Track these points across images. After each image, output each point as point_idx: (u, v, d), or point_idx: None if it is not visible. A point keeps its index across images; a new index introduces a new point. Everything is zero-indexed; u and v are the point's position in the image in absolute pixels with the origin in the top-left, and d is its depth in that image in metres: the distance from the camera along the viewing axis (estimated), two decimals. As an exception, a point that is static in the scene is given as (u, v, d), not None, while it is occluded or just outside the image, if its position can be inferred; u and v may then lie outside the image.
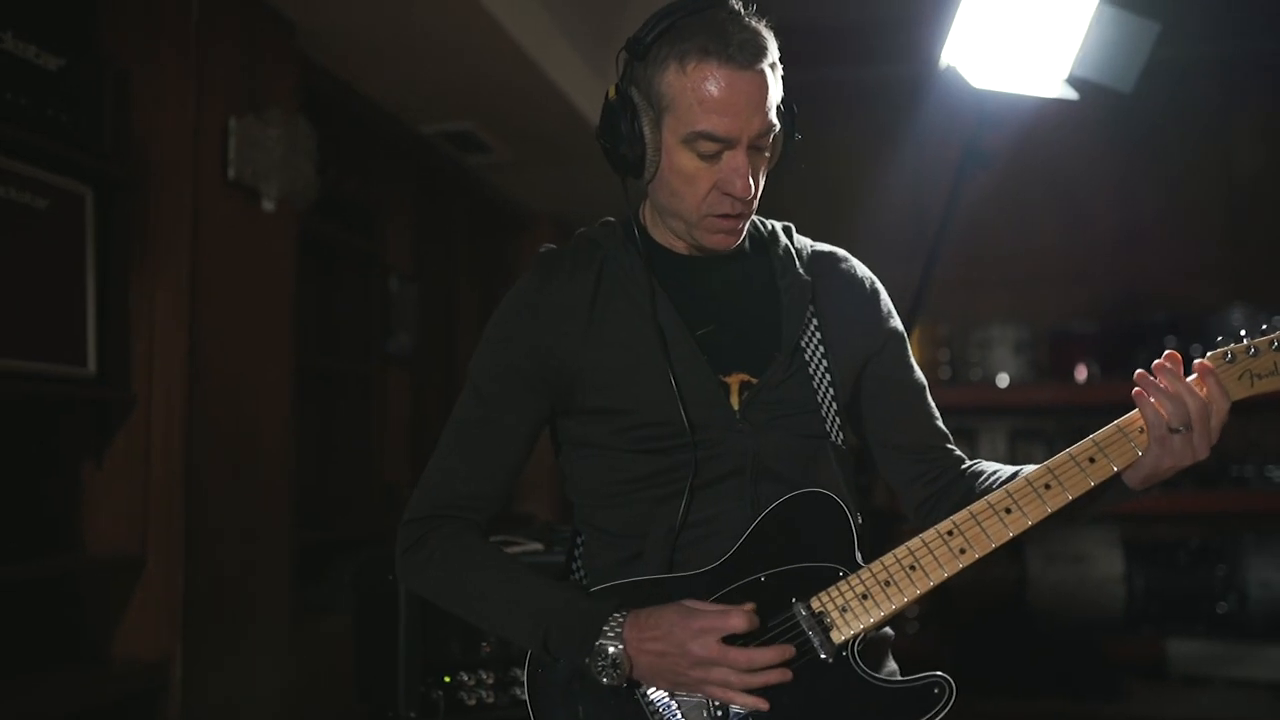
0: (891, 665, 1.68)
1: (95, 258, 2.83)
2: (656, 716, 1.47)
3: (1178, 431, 1.46)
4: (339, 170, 3.95)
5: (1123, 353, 6.58)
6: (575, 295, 1.63)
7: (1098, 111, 5.76)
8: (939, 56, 2.86)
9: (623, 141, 1.55)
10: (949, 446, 1.75)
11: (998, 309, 6.81)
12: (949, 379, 6.70)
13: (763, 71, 1.51)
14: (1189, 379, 1.49)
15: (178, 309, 2.96)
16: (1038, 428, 6.99)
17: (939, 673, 1.46)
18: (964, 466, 1.71)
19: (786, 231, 1.76)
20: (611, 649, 1.44)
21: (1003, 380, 6.65)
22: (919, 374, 1.76)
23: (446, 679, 2.25)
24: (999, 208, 6.57)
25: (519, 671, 2.30)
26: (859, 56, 6.01)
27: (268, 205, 3.23)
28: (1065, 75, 2.91)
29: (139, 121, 2.97)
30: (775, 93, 1.54)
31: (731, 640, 1.43)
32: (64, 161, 2.75)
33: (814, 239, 1.78)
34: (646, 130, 1.53)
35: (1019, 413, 6.93)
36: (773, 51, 1.53)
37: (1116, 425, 1.51)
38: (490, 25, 3.58)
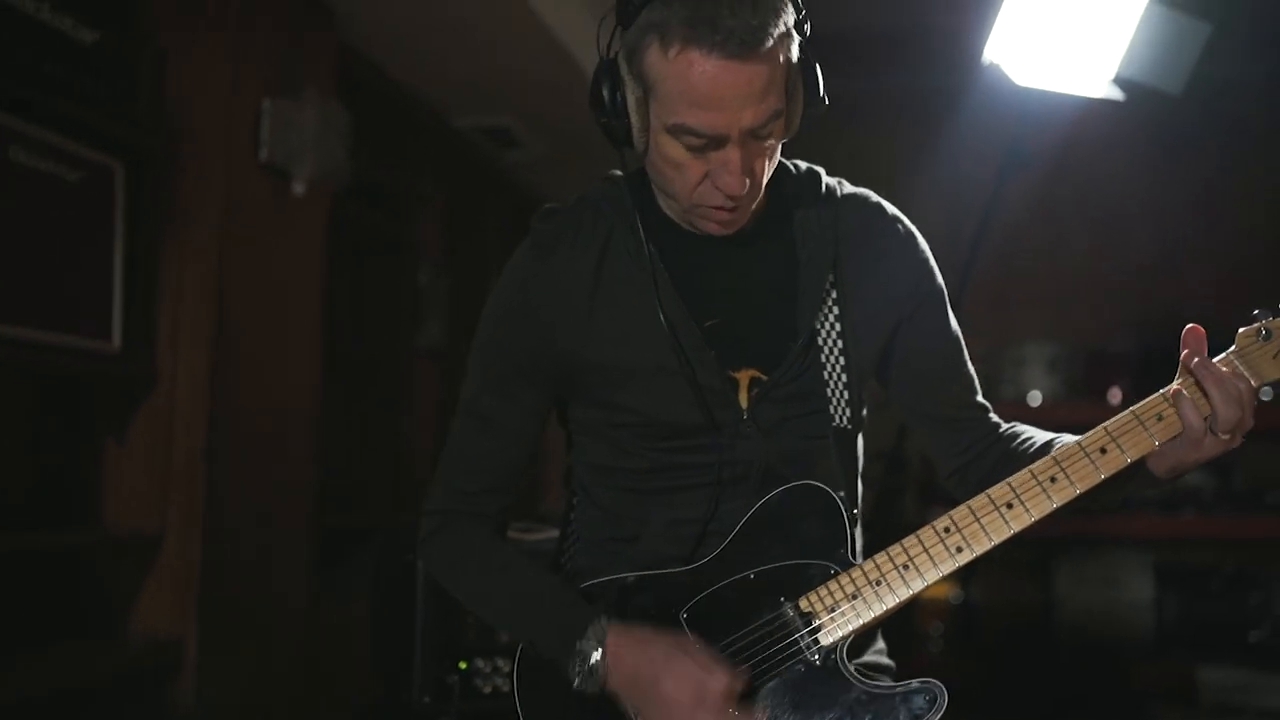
0: (879, 644, 1.63)
1: (124, 232, 2.82)
2: None
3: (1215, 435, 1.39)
4: (372, 157, 3.93)
5: (1159, 374, 6.46)
6: (576, 276, 1.52)
7: (1136, 128, 5.69)
8: (981, 54, 2.80)
9: (609, 114, 1.41)
10: (982, 412, 1.64)
11: (1032, 326, 6.73)
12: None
13: (760, 60, 1.31)
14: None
15: (204, 287, 2.95)
16: (1070, 447, 6.92)
17: (931, 680, 1.39)
18: (1001, 430, 1.62)
19: (816, 181, 1.60)
20: (593, 656, 1.39)
21: (1035, 398, 6.56)
22: (955, 334, 1.63)
23: (462, 665, 2.21)
24: (1034, 224, 6.49)
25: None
26: (896, 64, 5.95)
27: (298, 188, 3.21)
28: (1112, 75, 2.85)
29: (173, 99, 2.96)
30: (783, 69, 1.36)
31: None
32: (96, 135, 2.74)
33: None
34: (632, 107, 1.39)
35: (1051, 431, 6.85)
36: (778, 25, 1.32)
37: (1132, 413, 1.43)
38: (529, 18, 3.56)
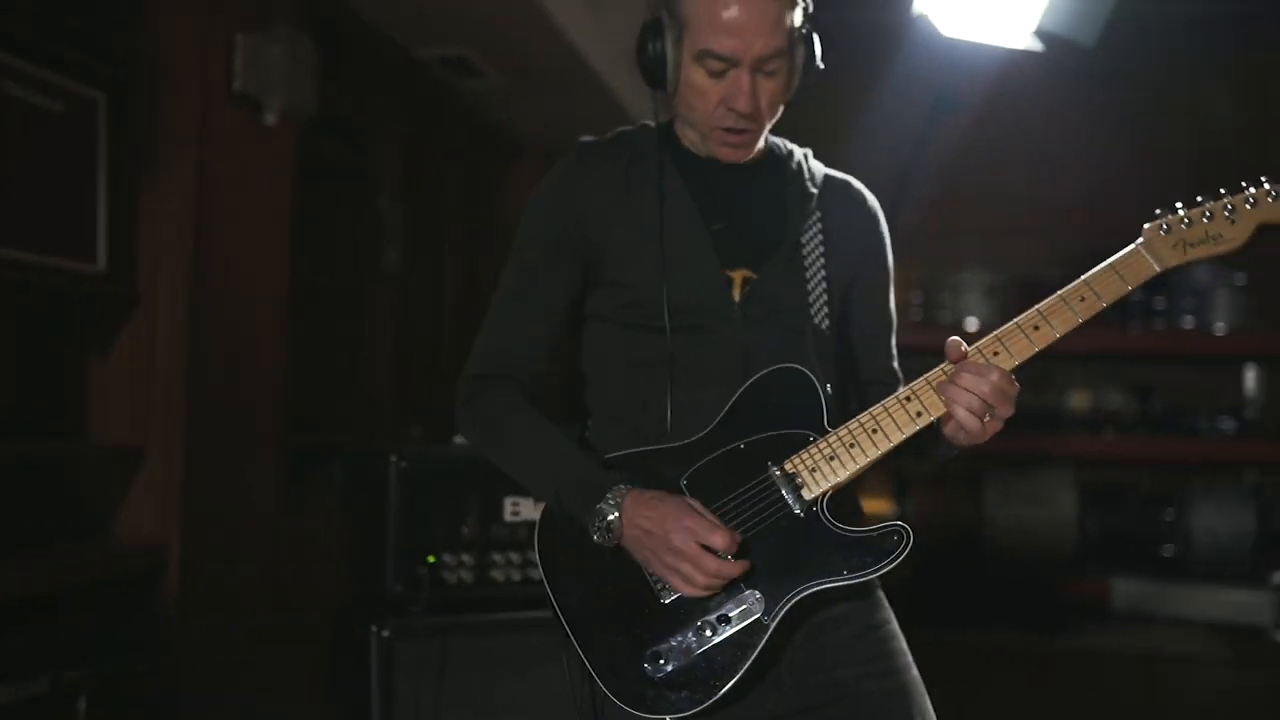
0: (863, 516, 1.83)
1: (107, 161, 2.98)
2: (652, 578, 1.64)
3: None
4: (336, 88, 4.07)
5: (1088, 302, 6.78)
6: (609, 178, 1.80)
7: (1068, 67, 5.89)
8: (912, 4, 3.01)
9: (649, 59, 1.72)
10: (893, 389, 1.84)
11: (971, 256, 6.99)
12: (920, 320, 6.91)
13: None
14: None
15: (183, 213, 3.12)
16: (1002, 371, 7.22)
17: (898, 522, 1.60)
18: None
19: (805, 156, 1.91)
20: (610, 515, 1.62)
21: (971, 324, 6.85)
22: (890, 311, 1.93)
23: (430, 559, 2.45)
24: (974, 163, 6.73)
25: (496, 555, 2.52)
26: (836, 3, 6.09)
27: (269, 118, 3.37)
28: (1032, 28, 3.08)
29: (151, 34, 3.10)
30: (790, 20, 1.68)
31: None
32: (78, 67, 2.89)
33: None
34: (669, 46, 1.70)
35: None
36: None
37: (1059, 296, 1.65)
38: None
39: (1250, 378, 7.01)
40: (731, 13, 1.64)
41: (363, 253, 4.59)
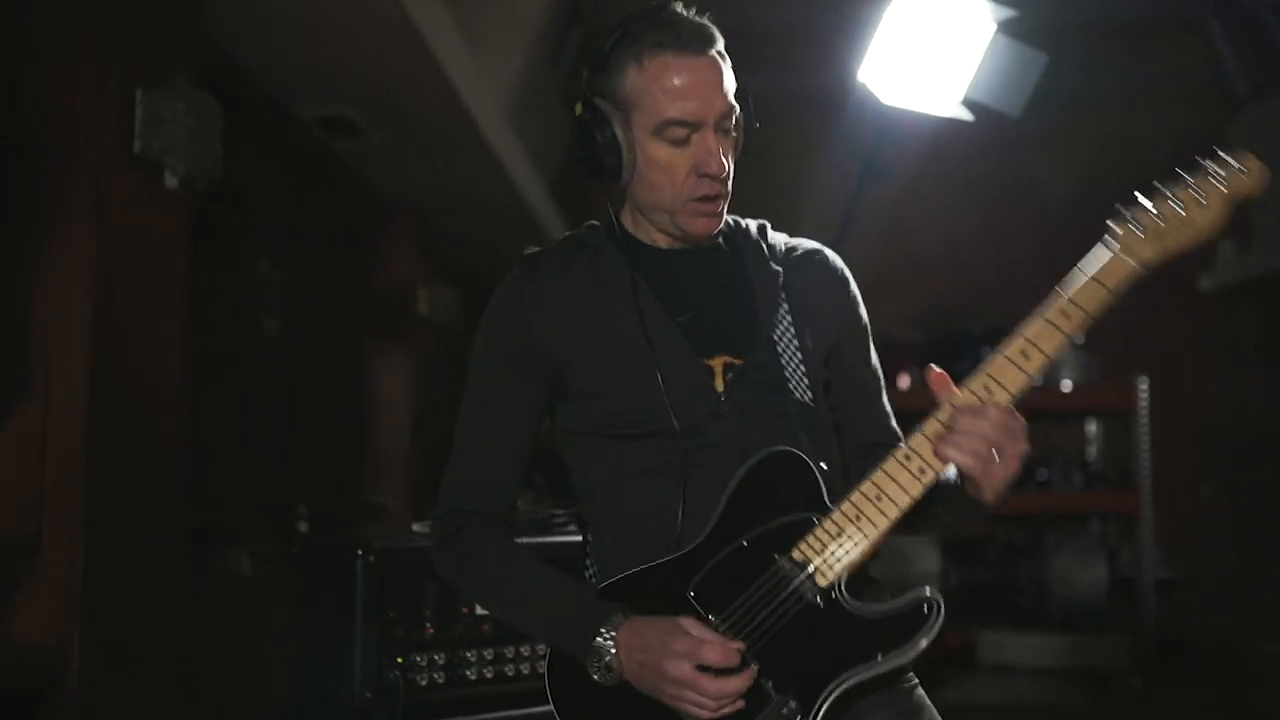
0: (882, 589, 1.73)
1: (-3, 224, 2.71)
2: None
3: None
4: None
5: (943, 360, 6.98)
6: (563, 288, 1.72)
7: (924, 141, 6.11)
8: (855, 73, 3.04)
9: (599, 149, 1.65)
10: (894, 440, 1.80)
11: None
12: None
13: (716, 57, 1.64)
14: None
15: (79, 284, 2.84)
16: (865, 430, 7.39)
17: (924, 589, 1.51)
18: None
19: (760, 229, 1.85)
20: (607, 654, 1.52)
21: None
22: (875, 370, 1.85)
23: (400, 659, 2.27)
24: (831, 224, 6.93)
25: (468, 653, 2.36)
26: (786, 63, 6.16)
27: (171, 181, 3.13)
28: (960, 97, 3.15)
29: (45, 90, 2.84)
30: (730, 78, 1.66)
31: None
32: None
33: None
34: (618, 132, 1.64)
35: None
36: (721, 40, 1.66)
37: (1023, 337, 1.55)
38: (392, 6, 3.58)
39: (1092, 431, 7.36)
40: (684, 78, 1.61)
41: (241, 318, 4.34)
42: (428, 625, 2.34)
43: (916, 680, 1.74)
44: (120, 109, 2.98)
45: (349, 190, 5.34)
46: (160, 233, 3.18)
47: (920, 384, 6.88)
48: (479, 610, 2.37)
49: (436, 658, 2.31)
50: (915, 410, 1.60)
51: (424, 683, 2.29)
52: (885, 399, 1.86)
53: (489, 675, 2.34)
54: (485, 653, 2.36)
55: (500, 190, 5.58)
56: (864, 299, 1.87)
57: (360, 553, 2.26)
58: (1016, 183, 7.52)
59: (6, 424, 2.79)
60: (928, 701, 1.73)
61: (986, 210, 7.55)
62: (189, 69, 3.27)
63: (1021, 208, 7.53)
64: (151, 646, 3.06)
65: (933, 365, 1.58)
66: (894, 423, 1.85)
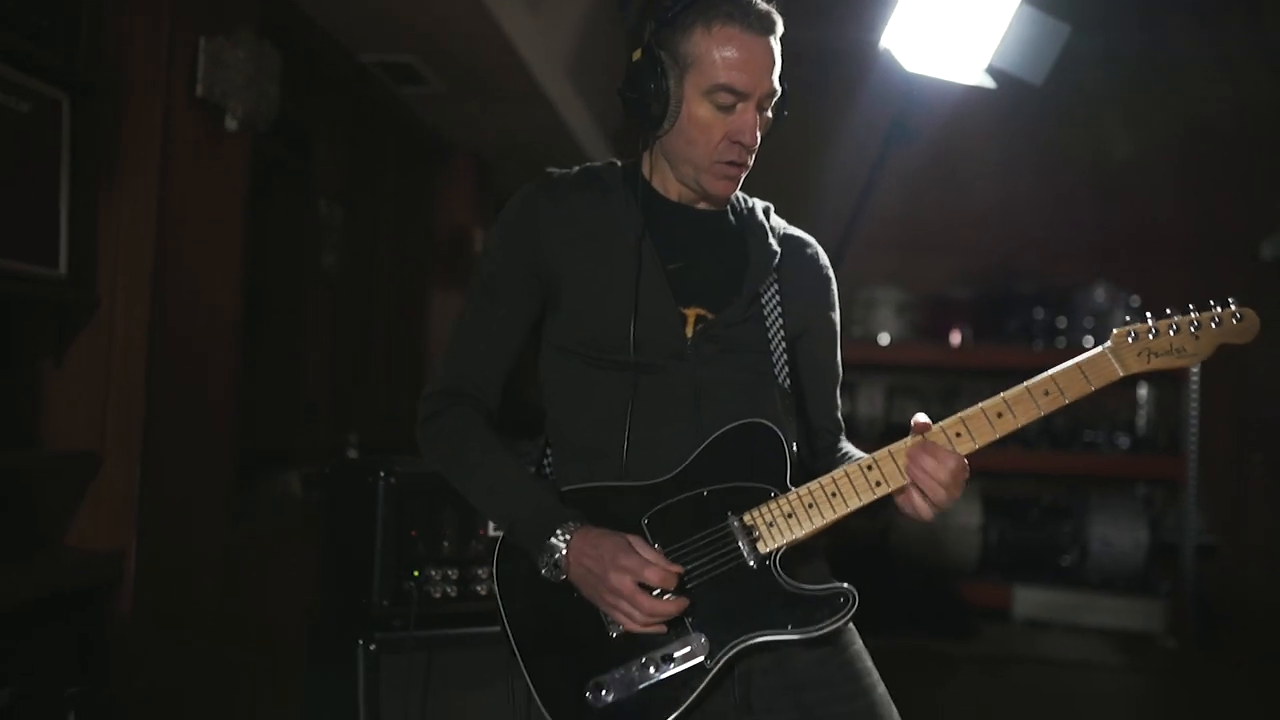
0: (823, 570, 1.88)
1: (70, 163, 2.92)
2: (602, 612, 1.70)
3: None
4: (283, 92, 4.04)
5: (994, 319, 7.07)
6: (573, 210, 1.86)
7: (980, 98, 6.13)
8: (879, 39, 3.14)
9: (649, 96, 1.77)
10: (836, 437, 2.00)
11: (884, 272, 7.21)
12: (833, 335, 7.09)
13: (775, 43, 1.77)
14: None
15: (145, 219, 3.07)
16: (914, 384, 7.46)
17: (845, 584, 1.70)
18: (838, 449, 1.96)
19: (765, 210, 1.99)
20: (558, 552, 1.69)
21: (883, 339, 7.06)
22: (838, 365, 2.02)
23: (415, 573, 2.47)
24: (891, 183, 6.94)
25: (479, 570, 2.55)
26: (821, 17, 6.22)
27: (231, 124, 3.34)
28: (985, 65, 3.22)
29: (114, 34, 3.05)
30: (779, 66, 1.78)
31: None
32: (43, 68, 2.83)
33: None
34: (671, 85, 1.76)
35: (897, 370, 7.37)
36: (781, 29, 1.78)
37: (1025, 388, 1.73)
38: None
39: (1143, 396, 7.36)
40: (745, 53, 1.74)
41: (302, 255, 4.56)
42: (445, 544, 2.53)
43: (852, 628, 1.88)
44: (185, 55, 3.18)
45: (408, 134, 5.51)
46: (220, 172, 3.39)
47: (971, 342, 6.99)
48: (493, 531, 2.55)
49: (450, 573, 2.50)
50: (963, 368, 1.76)
51: (438, 595, 2.49)
52: (838, 392, 2.02)
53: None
54: (496, 571, 2.52)
55: (558, 139, 5.72)
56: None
57: (382, 474, 2.45)
58: (1080, 144, 7.48)
59: (75, 349, 3.03)
60: (861, 647, 1.88)
61: (1048, 171, 7.53)
62: (252, 19, 3.46)
63: (1083, 169, 7.50)
64: (201, 555, 3.32)
65: (919, 415, 1.74)
66: (840, 414, 2.02)
